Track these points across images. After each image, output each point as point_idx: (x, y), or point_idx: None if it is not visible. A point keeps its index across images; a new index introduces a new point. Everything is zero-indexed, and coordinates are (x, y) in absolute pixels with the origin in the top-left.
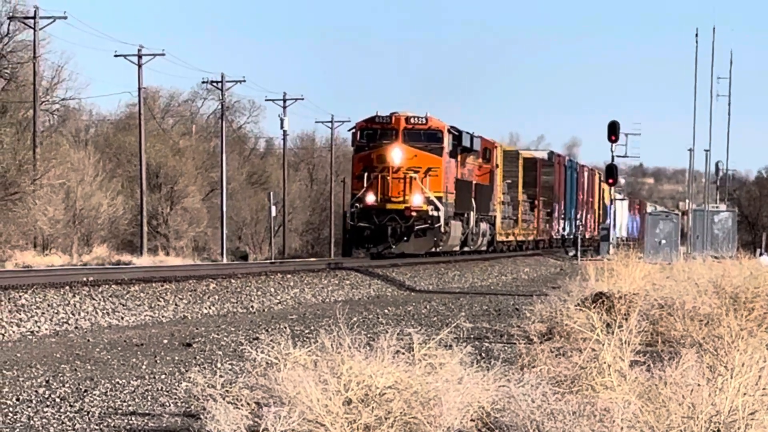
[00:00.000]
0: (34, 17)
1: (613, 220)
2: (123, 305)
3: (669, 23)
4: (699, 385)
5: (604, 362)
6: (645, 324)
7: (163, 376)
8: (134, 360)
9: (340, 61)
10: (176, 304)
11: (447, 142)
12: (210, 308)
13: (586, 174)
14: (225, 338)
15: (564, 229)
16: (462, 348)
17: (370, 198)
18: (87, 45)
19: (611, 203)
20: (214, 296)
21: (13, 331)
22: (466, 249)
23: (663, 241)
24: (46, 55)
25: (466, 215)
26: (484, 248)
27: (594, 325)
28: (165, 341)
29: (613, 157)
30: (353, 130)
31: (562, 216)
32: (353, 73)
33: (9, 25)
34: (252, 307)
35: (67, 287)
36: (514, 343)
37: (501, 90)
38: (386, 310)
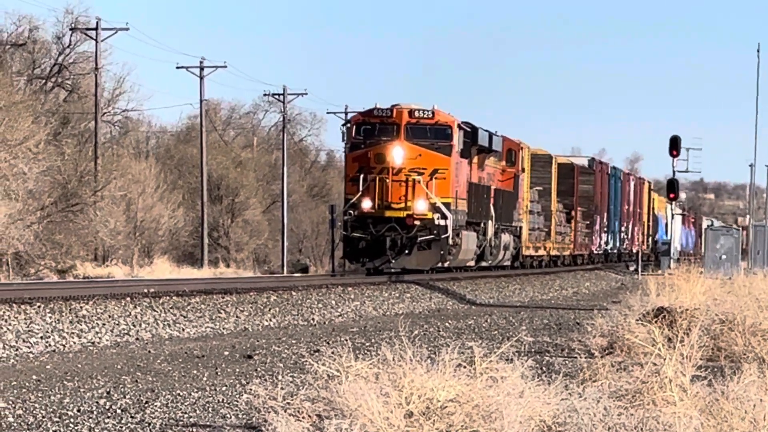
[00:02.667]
0: (96, 28)
1: (671, 234)
2: (184, 317)
3: (730, 37)
4: (761, 400)
5: (666, 377)
6: (706, 339)
7: (224, 388)
8: (195, 371)
9: (404, 75)
10: (237, 316)
11: (457, 139)
12: (271, 320)
13: (632, 183)
14: (286, 350)
15: (607, 243)
16: (523, 362)
17: (367, 204)
18: (149, 56)
19: (672, 218)
20: (275, 308)
21: (74, 342)
22: (483, 264)
23: (723, 256)
24: (108, 67)
25: (482, 225)
26: (507, 263)
27: (655, 340)
28: (226, 353)
29: (674, 171)
30: (348, 125)
31: (605, 229)
32: (421, 88)
33: (71, 36)
34: (313, 319)
35: (128, 298)
36: (576, 357)
37: (563, 103)
38: (447, 324)
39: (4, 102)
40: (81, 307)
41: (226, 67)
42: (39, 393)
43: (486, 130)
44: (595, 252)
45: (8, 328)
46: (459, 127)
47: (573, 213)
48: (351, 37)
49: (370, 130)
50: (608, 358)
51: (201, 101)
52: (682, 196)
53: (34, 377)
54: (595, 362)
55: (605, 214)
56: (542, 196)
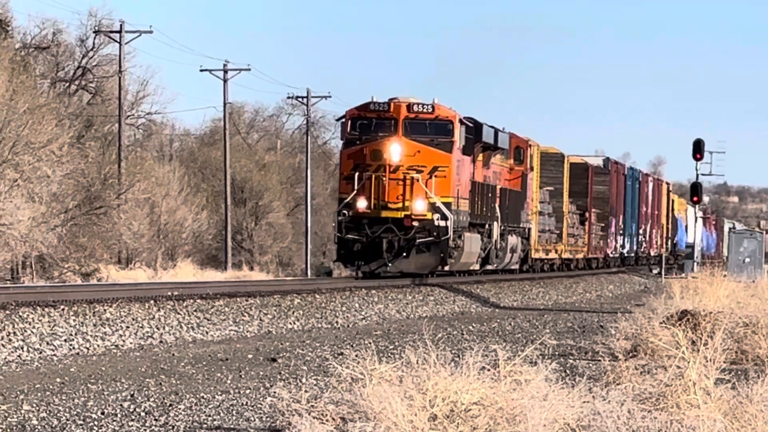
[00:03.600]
0: (119, 31)
1: (693, 236)
2: (208, 320)
3: (755, 39)
4: None
5: (690, 380)
6: (730, 342)
7: (248, 391)
8: (219, 374)
9: (426, 77)
10: (261, 319)
11: (459, 135)
12: (295, 323)
13: (651, 184)
14: (310, 353)
15: (623, 246)
16: (547, 364)
17: (362, 204)
18: (172, 59)
19: (696, 221)
20: (298, 311)
21: (98, 345)
22: (489, 268)
23: (747, 260)
24: (132, 70)
25: (487, 226)
26: (514, 267)
27: (679, 343)
28: (250, 356)
29: (697, 175)
30: (342, 120)
31: (621, 231)
32: (439, 88)
33: (95, 39)
34: (337, 322)
35: (152, 301)
36: (599, 360)
37: (587, 107)
38: (471, 327)
39: (28, 105)
40: (105, 310)
41: (249, 69)
42: (63, 396)
43: (491, 126)
44: (611, 255)
45: (32, 331)
46: (461, 122)
47: (587, 214)
48: (374, 39)
49: (366, 125)
50: (632, 361)
51: (225, 104)
52: (705, 199)
53: (58, 380)
54: (619, 365)
55: (621, 216)
56: (553, 197)
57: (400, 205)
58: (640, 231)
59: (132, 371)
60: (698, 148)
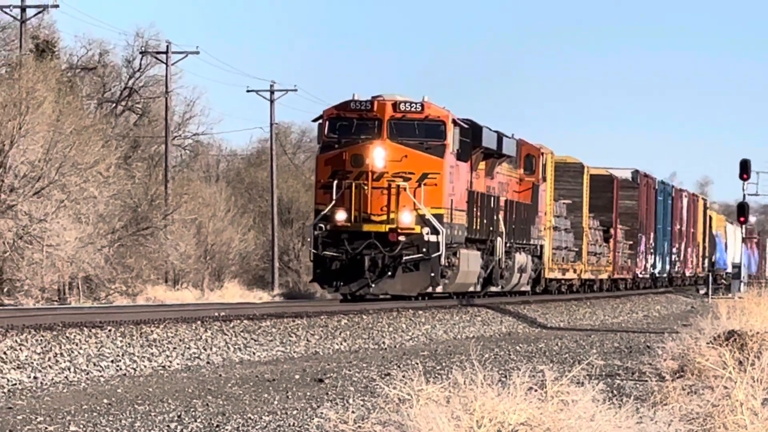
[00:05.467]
0: (166, 52)
1: (737, 256)
2: (254, 340)
3: None
4: None
5: (737, 400)
6: None
7: (295, 412)
8: (266, 395)
9: (479, 100)
10: (308, 340)
11: (452, 137)
12: (341, 344)
13: (685, 200)
14: (357, 374)
15: (654, 265)
16: (594, 385)
17: (341, 216)
18: (219, 80)
19: (742, 241)
20: (345, 332)
21: (145, 366)
22: (492, 289)
23: None
24: (178, 90)
25: (489, 243)
26: (525, 288)
27: (726, 363)
28: (297, 376)
29: (744, 195)
30: (319, 121)
31: (651, 250)
32: (481, 107)
33: (141, 59)
34: (383, 343)
35: (199, 322)
36: (646, 381)
37: (632, 126)
38: (518, 347)
39: (75, 126)
40: (152, 331)
41: (296, 90)
42: (110, 417)
43: (494, 131)
44: (641, 275)
45: (79, 352)
46: (454, 123)
47: (611, 231)
48: (425, 58)
49: (346, 126)
50: (679, 381)
51: (271, 124)
52: (752, 219)
53: (105, 401)
54: (666, 385)
55: (652, 234)
56: (571, 211)
57: (384, 217)
58: (674, 250)
59: (179, 392)
60: (745, 168)
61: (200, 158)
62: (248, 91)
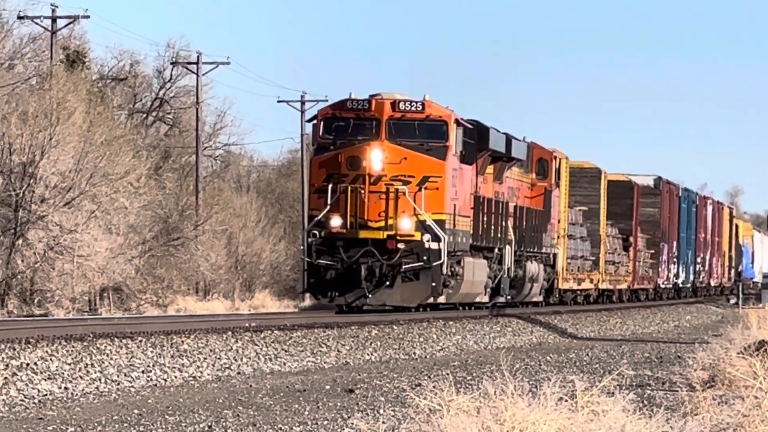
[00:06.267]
0: (197, 62)
1: (759, 264)
2: (285, 351)
3: None
4: None
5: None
6: None
7: (325, 422)
8: (297, 406)
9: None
10: (338, 350)
11: (455, 138)
12: (372, 354)
13: (710, 208)
14: (387, 384)
15: (677, 275)
16: (624, 395)
17: (336, 222)
18: (250, 90)
19: None
20: (376, 342)
21: (176, 376)
22: (500, 300)
23: None
24: (209, 101)
25: (497, 251)
26: (537, 299)
27: (756, 373)
28: (327, 387)
29: None
30: (314, 122)
31: (674, 259)
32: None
33: (172, 70)
34: (414, 353)
35: (230, 332)
36: (677, 391)
37: (661, 136)
38: (548, 357)
39: (106, 136)
40: (182, 342)
41: (327, 101)
42: (140, 427)
43: (503, 132)
44: (663, 286)
45: (110, 363)
46: (457, 123)
47: (631, 239)
48: (456, 68)
49: (342, 127)
50: (709, 391)
51: (302, 135)
52: None
53: (136, 411)
54: (697, 396)
55: (675, 243)
56: (588, 218)
57: (382, 223)
58: (698, 259)
59: (209, 402)
60: None
61: (231, 168)
62: (279, 101)
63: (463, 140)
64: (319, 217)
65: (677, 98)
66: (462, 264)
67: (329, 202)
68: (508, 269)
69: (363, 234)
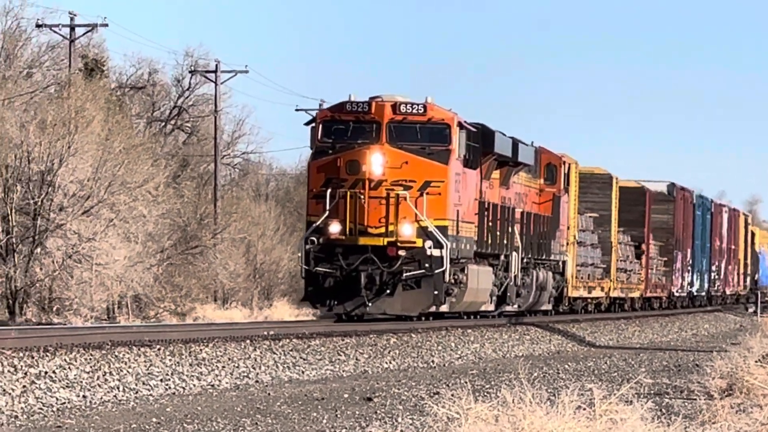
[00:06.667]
0: (215, 71)
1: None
2: (304, 359)
3: None
4: None
5: None
6: None
7: (344, 430)
8: (315, 414)
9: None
10: (357, 359)
11: (458, 142)
12: (390, 363)
13: (725, 215)
14: (406, 393)
15: (691, 283)
16: (642, 403)
17: (335, 228)
18: (268, 99)
19: None
20: (394, 351)
21: (194, 385)
22: (507, 309)
23: None
24: (227, 109)
25: (503, 258)
26: (545, 307)
27: None
28: (346, 395)
29: None
30: (312, 125)
31: (688, 267)
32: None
33: (190, 78)
34: (432, 361)
35: (248, 341)
36: (695, 399)
37: (680, 145)
38: (566, 365)
39: (124, 145)
40: (201, 350)
41: None
42: None
43: (510, 137)
44: (677, 294)
45: (128, 371)
46: (461, 126)
47: (643, 247)
48: (463, 74)
49: (341, 130)
50: (728, 399)
51: None
52: None
53: (154, 420)
54: (715, 404)
55: (689, 250)
56: (599, 225)
57: (382, 229)
58: (713, 267)
59: (228, 411)
60: None
61: (249, 177)
62: (297, 110)
63: (467, 144)
64: (318, 223)
65: (696, 105)
66: (466, 271)
67: (328, 207)
68: (514, 277)
69: (363, 240)
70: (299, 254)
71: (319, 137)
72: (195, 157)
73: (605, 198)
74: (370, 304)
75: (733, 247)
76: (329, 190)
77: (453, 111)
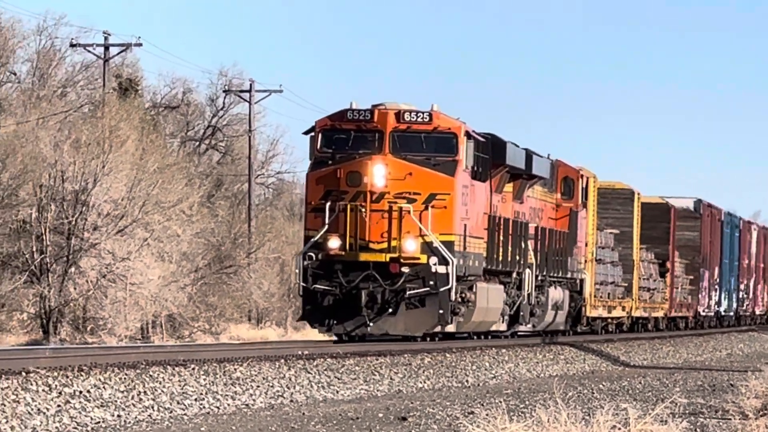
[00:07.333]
0: (249, 90)
1: None
2: (338, 379)
3: None
4: None
5: None
6: None
7: None
8: None
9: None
10: (391, 378)
11: (465, 152)
12: (425, 382)
13: (754, 233)
14: (440, 412)
15: (719, 303)
16: (677, 423)
17: (334, 243)
18: (302, 118)
19: None
20: (429, 370)
21: (228, 404)
22: (521, 329)
23: None
24: (261, 129)
25: (515, 275)
26: (562, 327)
27: None
28: (380, 415)
29: None
30: (311, 134)
31: (716, 286)
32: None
33: (225, 98)
34: (467, 381)
35: (282, 360)
36: (730, 419)
37: (713, 164)
38: (601, 385)
39: (158, 164)
40: (235, 369)
41: None
42: None
43: (524, 148)
44: (703, 314)
45: (163, 390)
46: (468, 135)
47: (668, 265)
48: (516, 87)
49: (341, 140)
50: (762, 419)
51: None
52: None
53: None
54: (750, 424)
55: (717, 269)
56: (620, 242)
57: (384, 245)
58: (741, 286)
59: (262, 430)
60: None
61: (283, 196)
62: None
63: (475, 154)
64: (316, 238)
65: (730, 120)
66: (474, 289)
67: (327, 221)
68: (528, 295)
69: (363, 256)
70: (296, 271)
71: (318, 147)
72: (229, 177)
73: (627, 214)
74: (371, 324)
75: (762, 265)
76: (328, 203)
77: (460, 120)
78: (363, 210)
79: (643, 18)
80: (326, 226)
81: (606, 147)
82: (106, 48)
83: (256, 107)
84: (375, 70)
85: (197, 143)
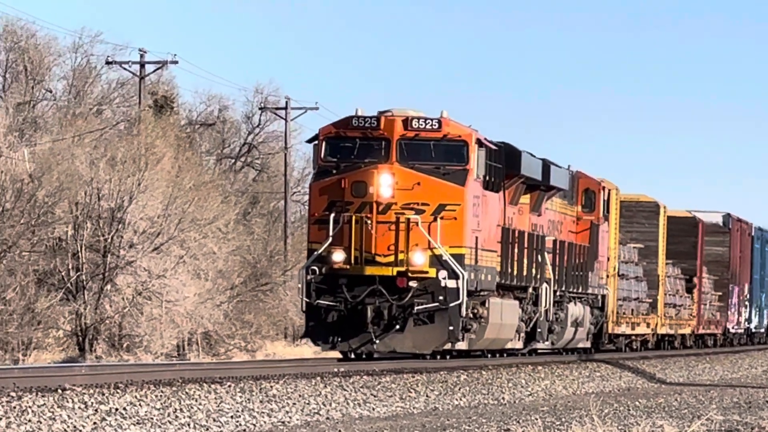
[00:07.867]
0: (285, 108)
1: None
2: (374, 396)
3: None
4: None
5: None
6: None
7: None
8: None
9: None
10: (427, 395)
11: (476, 161)
12: (461, 399)
13: None
14: (476, 429)
15: (749, 320)
16: None
17: (339, 256)
18: None
19: None
20: (464, 387)
21: (264, 422)
22: (539, 346)
23: None
24: (297, 146)
25: (531, 290)
26: (583, 344)
27: None
28: None
29: None
30: (315, 142)
31: (745, 302)
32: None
33: (260, 115)
34: (503, 398)
35: (318, 378)
36: None
37: (740, 174)
38: (637, 402)
39: (194, 181)
40: (271, 387)
41: None
42: None
43: (540, 158)
44: (732, 330)
45: (199, 408)
46: (479, 143)
47: (695, 280)
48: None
49: (347, 148)
50: None
51: None
52: None
53: None
54: None
55: (747, 285)
56: (645, 257)
57: (391, 258)
58: None
59: None
60: None
61: None
62: None
63: (487, 163)
64: (320, 251)
65: (763, 133)
66: (487, 305)
67: (331, 233)
68: (545, 311)
69: (369, 270)
70: (299, 285)
71: (322, 156)
72: (265, 194)
73: (652, 228)
74: (377, 341)
75: None
76: (333, 215)
77: (472, 127)
78: (369, 221)
79: (671, 24)
80: (330, 239)
81: (631, 159)
82: (142, 65)
83: (291, 124)
84: (409, 84)
85: (233, 161)
